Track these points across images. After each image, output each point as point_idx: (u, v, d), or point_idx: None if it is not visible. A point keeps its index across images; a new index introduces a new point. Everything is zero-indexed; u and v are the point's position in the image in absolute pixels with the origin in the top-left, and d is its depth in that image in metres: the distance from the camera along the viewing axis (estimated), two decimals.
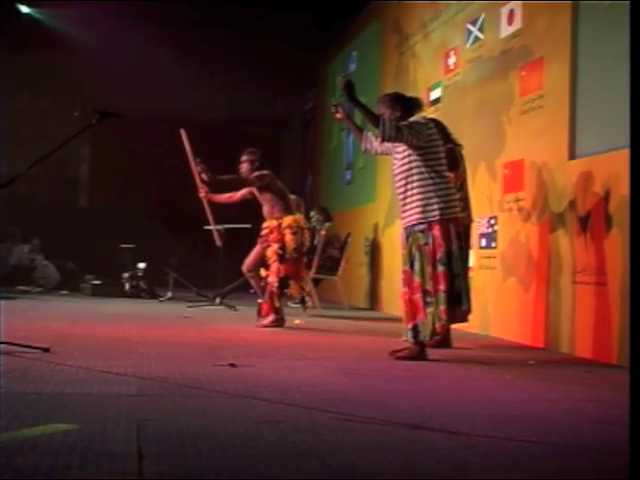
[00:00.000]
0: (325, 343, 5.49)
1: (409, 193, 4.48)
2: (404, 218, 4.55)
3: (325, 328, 6.59)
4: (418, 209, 4.43)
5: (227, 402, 2.99)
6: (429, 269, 4.38)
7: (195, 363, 3.98)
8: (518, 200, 5.95)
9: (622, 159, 4.28)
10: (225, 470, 2.02)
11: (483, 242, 6.49)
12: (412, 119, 4.56)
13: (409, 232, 4.51)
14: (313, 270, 8.11)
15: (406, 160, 4.50)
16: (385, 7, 9.68)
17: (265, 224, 6.55)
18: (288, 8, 11.51)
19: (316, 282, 8.62)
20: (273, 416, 2.73)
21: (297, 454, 2.20)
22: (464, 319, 4.59)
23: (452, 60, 7.43)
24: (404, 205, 4.53)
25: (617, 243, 4.62)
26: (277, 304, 6.37)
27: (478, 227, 6.52)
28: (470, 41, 7.04)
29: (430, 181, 4.44)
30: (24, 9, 12.04)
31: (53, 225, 11.30)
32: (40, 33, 11.78)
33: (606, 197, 4.81)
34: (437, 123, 5.34)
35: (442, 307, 4.36)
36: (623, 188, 4.48)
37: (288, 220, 6.46)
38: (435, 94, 7.80)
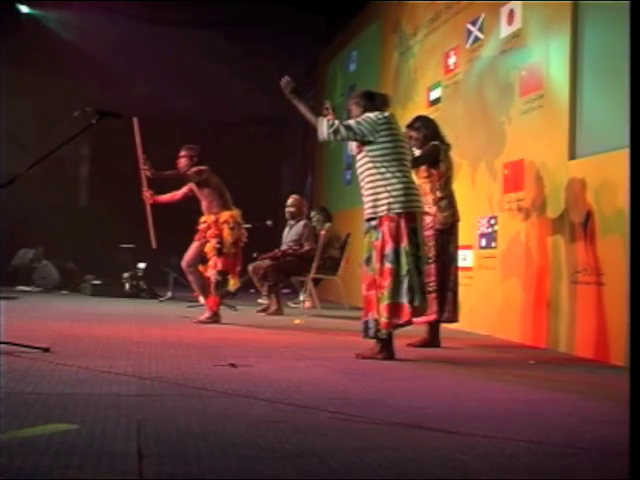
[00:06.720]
0: (325, 343, 5.49)
1: (364, 188, 4.55)
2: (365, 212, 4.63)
3: (325, 328, 6.59)
4: (369, 204, 4.50)
5: (227, 402, 2.98)
6: (378, 265, 4.42)
7: (195, 363, 3.98)
8: (518, 200, 5.95)
9: (622, 159, 4.28)
10: (225, 470, 2.02)
11: (483, 242, 6.49)
12: (364, 115, 4.54)
13: (367, 228, 4.56)
14: (313, 270, 8.11)
15: (361, 155, 4.56)
16: (385, 7, 9.67)
17: (202, 219, 6.62)
18: (288, 8, 11.51)
19: (316, 282, 8.61)
20: (273, 416, 2.73)
21: (297, 454, 2.20)
22: (417, 315, 4.48)
23: (452, 60, 7.43)
24: (364, 199, 4.60)
25: (617, 243, 4.62)
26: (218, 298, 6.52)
27: (478, 227, 6.53)
28: (470, 41, 7.03)
29: (379, 176, 4.46)
30: (24, 9, 12.05)
31: (53, 225, 11.29)
32: (40, 33, 11.78)
33: (606, 197, 4.81)
34: (427, 120, 5.37)
35: (384, 303, 4.35)
36: (623, 188, 4.47)
37: (225, 215, 6.52)
38: (435, 94, 7.80)
